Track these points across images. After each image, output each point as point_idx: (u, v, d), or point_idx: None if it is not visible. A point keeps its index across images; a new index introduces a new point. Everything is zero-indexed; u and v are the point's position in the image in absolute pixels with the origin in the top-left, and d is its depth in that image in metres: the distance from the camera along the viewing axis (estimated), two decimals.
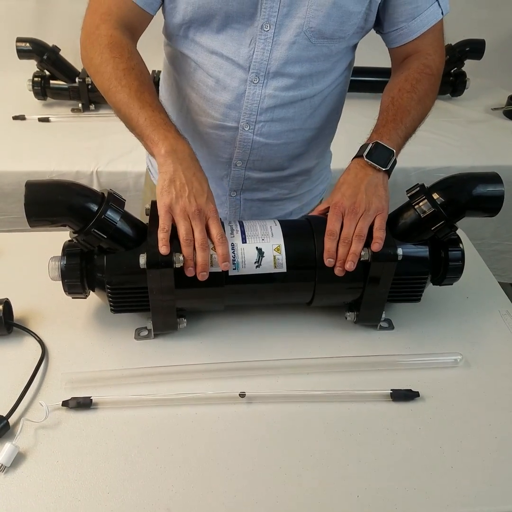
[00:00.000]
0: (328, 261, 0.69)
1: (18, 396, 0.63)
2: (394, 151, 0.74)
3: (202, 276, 0.66)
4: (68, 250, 0.70)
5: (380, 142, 0.73)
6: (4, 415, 0.61)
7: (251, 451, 0.61)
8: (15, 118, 1.56)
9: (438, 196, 0.69)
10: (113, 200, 0.67)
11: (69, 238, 0.71)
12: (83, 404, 0.63)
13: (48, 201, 0.64)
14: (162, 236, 0.66)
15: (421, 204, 0.70)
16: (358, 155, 0.74)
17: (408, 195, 0.72)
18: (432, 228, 0.70)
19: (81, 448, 0.60)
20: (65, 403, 0.63)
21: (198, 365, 0.69)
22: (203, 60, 0.80)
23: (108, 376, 0.67)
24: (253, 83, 0.80)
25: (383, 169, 0.73)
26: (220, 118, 0.83)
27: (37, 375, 0.67)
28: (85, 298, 0.74)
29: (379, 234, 0.69)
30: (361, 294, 0.73)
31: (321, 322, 0.78)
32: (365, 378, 0.70)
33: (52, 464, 0.58)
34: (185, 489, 0.57)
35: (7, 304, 0.72)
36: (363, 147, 0.75)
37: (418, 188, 0.71)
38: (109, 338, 0.74)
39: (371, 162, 0.72)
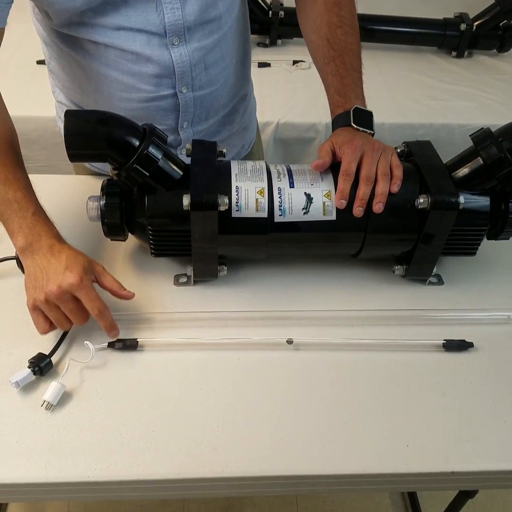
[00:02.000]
0: (340, 203, 0.64)
1: (59, 336, 0.62)
2: (372, 112, 0.71)
3: None
4: (107, 189, 0.67)
5: (358, 106, 0.70)
6: (47, 353, 0.60)
7: (297, 397, 0.59)
8: (39, 62, 1.52)
9: (505, 141, 0.64)
10: (156, 135, 0.63)
11: (107, 178, 0.68)
12: (129, 345, 0.62)
13: (90, 132, 0.61)
14: None
15: (486, 148, 0.65)
16: (346, 124, 0.70)
17: (473, 139, 0.67)
18: (497, 176, 0.65)
19: (126, 388, 0.59)
20: (111, 344, 0.62)
21: (241, 312, 0.67)
22: (112, 39, 0.70)
23: (151, 318, 0.66)
24: (175, 45, 0.72)
25: (372, 132, 0.70)
26: (153, 89, 0.76)
27: None
28: (124, 240, 0.71)
29: (399, 173, 0.65)
30: (413, 246, 0.69)
31: (366, 275, 0.75)
32: (414, 331, 0.67)
33: (97, 403, 0.57)
34: (230, 430, 0.56)
35: None
36: (343, 116, 0.71)
37: (484, 133, 0.66)
38: (147, 283, 0.72)
39: (362, 128, 0.69)
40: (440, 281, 0.74)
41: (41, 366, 0.58)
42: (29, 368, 0.58)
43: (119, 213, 0.66)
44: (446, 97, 1.54)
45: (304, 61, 1.57)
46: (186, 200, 0.62)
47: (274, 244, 0.69)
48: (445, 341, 0.65)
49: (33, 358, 0.59)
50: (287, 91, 1.47)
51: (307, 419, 0.57)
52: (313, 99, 1.36)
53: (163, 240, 0.68)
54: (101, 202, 0.66)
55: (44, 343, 0.62)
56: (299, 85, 1.47)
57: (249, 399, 0.59)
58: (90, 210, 0.67)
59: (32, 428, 0.54)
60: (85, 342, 0.61)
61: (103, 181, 0.68)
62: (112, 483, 0.52)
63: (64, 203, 0.84)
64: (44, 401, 0.56)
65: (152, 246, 0.68)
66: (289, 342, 0.63)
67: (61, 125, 0.95)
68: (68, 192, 0.86)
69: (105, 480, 0.51)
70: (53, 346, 0.61)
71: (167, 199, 0.65)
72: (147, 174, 0.63)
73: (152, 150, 0.62)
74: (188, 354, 0.63)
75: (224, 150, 0.71)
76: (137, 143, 0.62)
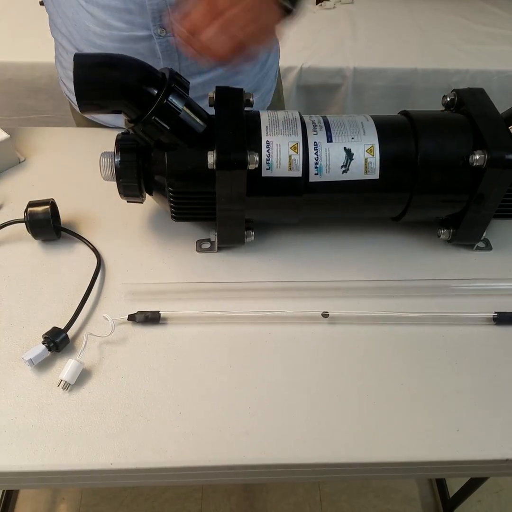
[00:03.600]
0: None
1: (75, 309, 0.57)
2: None
3: None
4: (122, 144, 0.60)
5: None
6: (62, 327, 0.55)
7: (334, 375, 0.54)
8: (42, 3, 1.40)
9: None
10: (176, 82, 0.56)
11: (122, 131, 0.61)
12: (151, 318, 0.57)
13: (103, 79, 0.53)
14: None
15: None
16: None
17: None
18: None
19: (149, 365, 0.54)
20: (131, 317, 0.57)
21: (271, 282, 0.61)
22: None
23: (173, 289, 0.60)
24: None
25: None
26: (125, 27, 0.67)
27: (94, 285, 0.60)
28: (141, 202, 0.65)
29: None
30: (463, 208, 0.62)
31: (407, 240, 0.68)
32: (461, 302, 0.61)
33: (119, 382, 0.52)
34: (264, 412, 0.51)
35: (53, 205, 0.64)
36: None
37: None
38: (168, 249, 0.66)
39: None
40: (488, 246, 0.67)
41: (57, 341, 0.53)
42: (44, 344, 0.53)
43: (136, 172, 0.59)
44: (484, 41, 1.41)
45: (328, 0, 1.44)
46: (211, 158, 0.55)
47: (308, 207, 0.62)
48: (496, 314, 0.59)
49: (47, 333, 0.54)
50: (310, 33, 1.35)
51: (346, 401, 0.52)
52: (339, 42, 1.25)
53: (185, 202, 0.61)
54: (115, 159, 0.59)
55: (59, 316, 0.57)
56: (323, 26, 1.36)
57: (282, 377, 0.54)
58: (103, 168, 0.60)
59: (48, 410, 0.50)
60: (104, 315, 0.56)
61: (118, 135, 0.61)
62: (138, 470, 0.48)
63: (73, 159, 0.77)
64: (61, 380, 0.51)
65: (173, 209, 0.62)
66: (325, 315, 0.58)
67: (59, 69, 0.86)
68: (79, 147, 0.79)
69: (130, 468, 0.47)
70: (69, 319, 0.56)
71: (190, 157, 0.58)
72: (167, 127, 0.56)
73: (172, 99, 0.55)
74: (214, 328, 0.57)
75: (252, 99, 0.62)
76: (155, 91, 0.54)
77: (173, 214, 0.63)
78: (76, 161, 0.77)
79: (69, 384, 0.51)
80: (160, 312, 0.57)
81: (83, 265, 0.62)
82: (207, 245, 0.67)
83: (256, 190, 0.59)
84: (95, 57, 0.55)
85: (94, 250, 0.64)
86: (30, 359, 0.51)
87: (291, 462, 0.48)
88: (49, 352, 0.53)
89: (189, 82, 0.58)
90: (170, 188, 0.59)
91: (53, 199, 0.65)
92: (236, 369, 0.54)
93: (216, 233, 0.64)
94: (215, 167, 0.55)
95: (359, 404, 0.52)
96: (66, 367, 0.51)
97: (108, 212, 0.69)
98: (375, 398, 0.53)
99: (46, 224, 0.62)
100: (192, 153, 0.58)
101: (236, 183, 0.57)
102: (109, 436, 0.49)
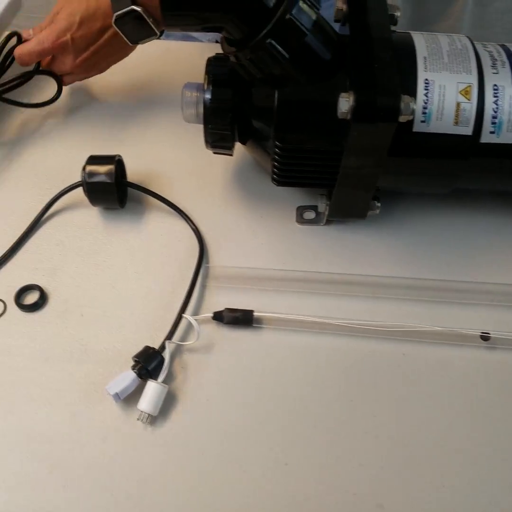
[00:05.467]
0: None
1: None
2: None
3: None
4: (216, 74, 0.42)
5: None
6: (156, 347, 0.40)
7: (499, 428, 0.39)
8: None
9: None
10: None
11: (214, 55, 0.43)
12: (242, 319, 0.42)
13: None
14: None
15: None
16: None
17: None
18: None
19: (235, 389, 0.40)
20: (217, 316, 0.42)
21: (405, 279, 0.45)
22: None
23: (268, 276, 0.45)
24: None
25: None
26: None
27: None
28: (231, 155, 0.48)
29: None
30: None
31: None
32: None
33: (203, 404, 0.39)
34: (408, 484, 0.36)
35: (119, 163, 0.49)
36: None
37: None
38: (259, 216, 0.50)
39: None
40: None
41: (150, 369, 0.39)
42: (134, 370, 0.39)
43: (231, 115, 0.43)
44: None
45: None
46: (345, 103, 0.37)
47: (473, 175, 0.44)
48: None
49: (138, 354, 0.39)
50: None
51: None
52: None
53: (297, 163, 0.44)
54: (205, 95, 0.42)
55: (140, 323, 0.43)
56: None
57: (422, 424, 0.39)
58: (186, 105, 0.44)
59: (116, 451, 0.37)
60: (184, 315, 0.42)
61: (208, 60, 0.43)
62: None
63: (139, 84, 0.60)
64: (142, 412, 0.37)
65: (276, 171, 0.45)
66: (484, 337, 0.42)
67: None
68: (148, 66, 0.62)
69: None
70: (165, 332, 0.41)
71: (311, 98, 0.41)
72: (287, 56, 0.38)
73: (298, 14, 0.36)
74: (325, 340, 0.42)
75: (398, 14, 0.43)
76: (273, 1, 0.36)
77: (275, 177, 0.46)
78: (141, 89, 0.60)
79: (151, 416, 0.38)
80: (254, 312, 0.43)
81: (164, 244, 0.48)
82: (311, 215, 0.51)
83: (402, 150, 0.41)
84: None
85: (196, 231, 0.48)
86: (116, 393, 0.38)
87: None
88: (140, 380, 0.39)
89: None
90: (277, 143, 0.42)
91: (119, 156, 0.49)
92: (358, 405, 0.40)
93: (327, 202, 0.47)
94: (350, 117, 0.38)
95: None
96: (146, 393, 0.38)
97: (183, 165, 0.53)
98: None
99: (109, 189, 0.47)
100: (315, 93, 0.41)
101: (378, 139, 0.39)
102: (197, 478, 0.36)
